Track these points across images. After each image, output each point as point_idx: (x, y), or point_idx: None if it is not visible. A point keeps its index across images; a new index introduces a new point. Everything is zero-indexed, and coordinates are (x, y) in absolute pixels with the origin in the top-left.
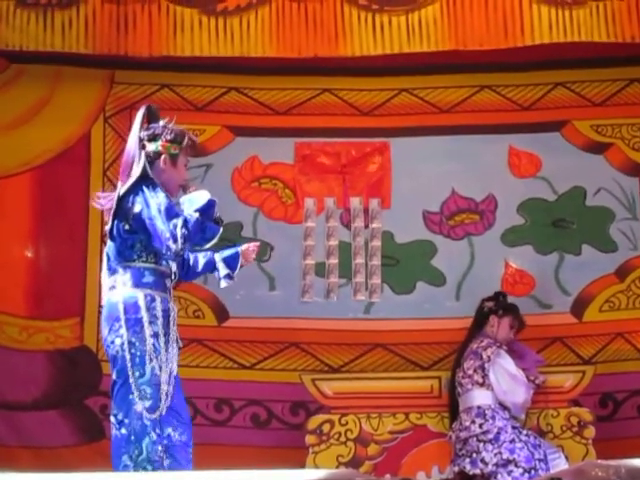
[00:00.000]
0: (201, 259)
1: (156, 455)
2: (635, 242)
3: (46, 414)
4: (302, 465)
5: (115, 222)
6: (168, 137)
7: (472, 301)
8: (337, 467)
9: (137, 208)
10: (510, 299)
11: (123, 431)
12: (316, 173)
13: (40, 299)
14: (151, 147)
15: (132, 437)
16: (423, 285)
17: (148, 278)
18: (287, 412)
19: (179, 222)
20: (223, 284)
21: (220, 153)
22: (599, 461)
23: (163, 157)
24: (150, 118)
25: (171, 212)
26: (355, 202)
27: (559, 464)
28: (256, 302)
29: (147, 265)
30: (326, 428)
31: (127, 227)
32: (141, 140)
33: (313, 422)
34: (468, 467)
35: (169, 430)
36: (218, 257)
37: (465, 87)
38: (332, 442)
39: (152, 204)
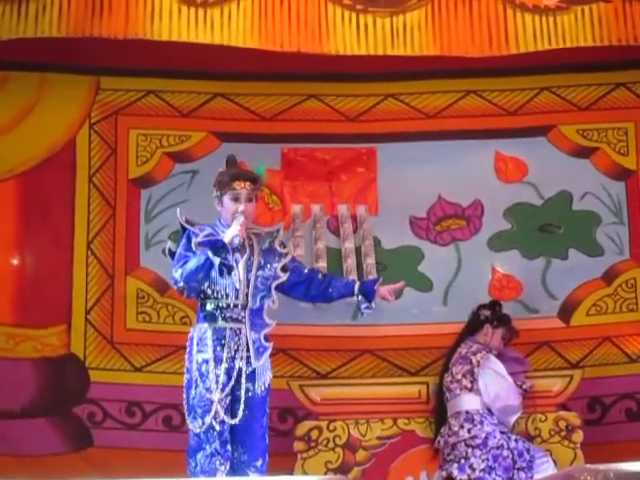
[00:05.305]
0: (337, 286)
1: (209, 467)
2: (621, 246)
3: (34, 422)
4: (290, 472)
5: None
6: (214, 183)
7: (459, 306)
8: (326, 473)
9: None
10: None
11: (188, 447)
12: (303, 179)
13: (26, 307)
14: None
15: (190, 452)
16: (410, 291)
17: (204, 313)
18: (275, 419)
19: (178, 269)
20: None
21: (206, 159)
22: (588, 465)
23: (216, 201)
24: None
25: (179, 258)
26: (342, 209)
27: (547, 469)
28: None
29: (203, 302)
30: (314, 434)
31: None
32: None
33: (301, 428)
34: (456, 472)
35: (233, 447)
36: (357, 288)
37: (451, 92)
38: (320, 448)
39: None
